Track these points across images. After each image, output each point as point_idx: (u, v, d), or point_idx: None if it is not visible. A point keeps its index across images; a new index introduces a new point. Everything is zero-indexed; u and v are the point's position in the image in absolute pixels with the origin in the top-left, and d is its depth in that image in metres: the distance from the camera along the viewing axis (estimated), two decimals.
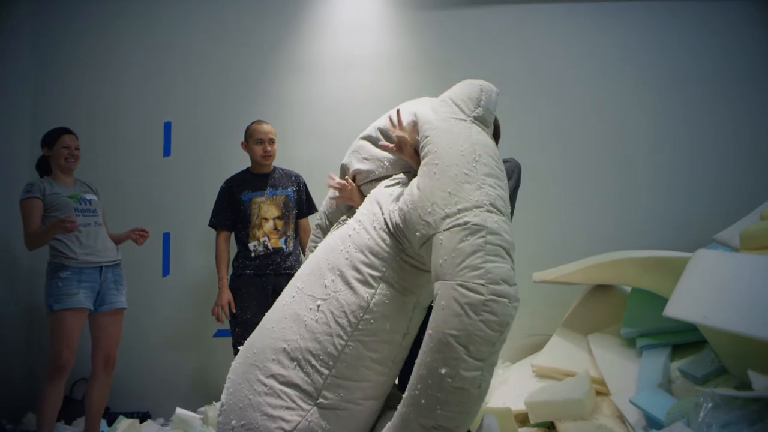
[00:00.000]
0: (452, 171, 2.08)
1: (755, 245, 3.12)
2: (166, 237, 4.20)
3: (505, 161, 2.43)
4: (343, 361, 2.07)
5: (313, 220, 3.83)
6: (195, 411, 3.87)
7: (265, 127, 3.68)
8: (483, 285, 1.83)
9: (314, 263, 2.35)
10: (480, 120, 2.31)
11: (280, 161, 3.78)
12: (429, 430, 1.84)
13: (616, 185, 4.40)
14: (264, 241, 3.63)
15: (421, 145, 2.26)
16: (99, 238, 3.35)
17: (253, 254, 3.62)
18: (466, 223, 1.95)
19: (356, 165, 2.67)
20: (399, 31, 4.46)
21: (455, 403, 1.82)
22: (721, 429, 2.10)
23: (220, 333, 4.07)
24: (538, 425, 3.29)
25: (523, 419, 3.36)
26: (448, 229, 1.96)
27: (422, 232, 2.05)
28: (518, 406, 3.35)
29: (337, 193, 2.72)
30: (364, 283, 2.14)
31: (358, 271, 2.17)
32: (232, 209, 3.68)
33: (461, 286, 1.85)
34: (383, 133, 2.58)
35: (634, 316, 3.67)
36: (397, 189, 2.38)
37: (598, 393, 3.48)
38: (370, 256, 2.19)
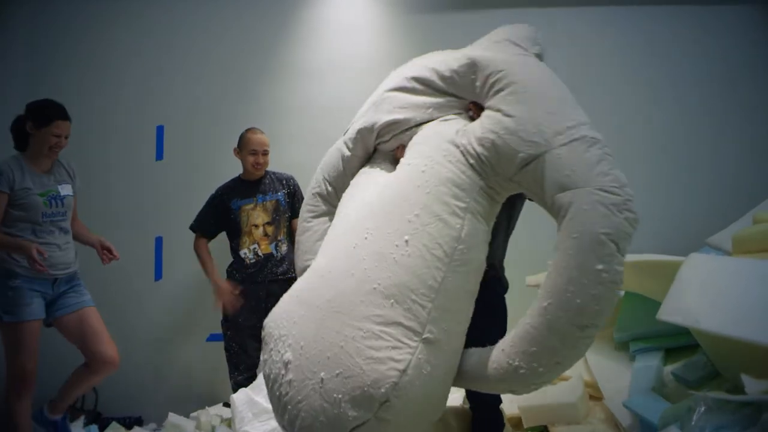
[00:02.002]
0: (548, 94, 2.20)
1: (747, 249, 3.13)
2: (159, 241, 4.18)
3: None
4: (443, 293, 2.00)
5: None
6: (187, 416, 3.85)
7: (260, 138, 3.67)
8: (618, 188, 1.95)
9: (376, 205, 2.25)
10: (539, 57, 2.52)
11: (275, 165, 3.78)
12: (583, 329, 1.87)
13: None
14: (254, 248, 3.63)
15: (490, 81, 2.29)
16: (61, 249, 3.11)
17: (245, 262, 3.62)
18: (583, 136, 2.05)
19: (387, 117, 2.57)
20: (394, 34, 4.46)
21: (607, 299, 1.88)
22: None
23: (212, 337, 4.05)
24: (531, 429, 3.29)
25: (516, 423, 3.35)
26: (565, 144, 2.04)
27: (528, 152, 2.07)
28: (511, 410, 3.34)
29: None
30: (453, 214, 2.11)
31: (445, 203, 2.13)
32: (218, 217, 3.68)
33: (601, 190, 1.94)
34: (442, 74, 2.52)
35: (627, 320, 3.67)
36: (456, 125, 2.37)
37: (592, 397, 3.48)
38: (454, 188, 2.16)
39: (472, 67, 2.39)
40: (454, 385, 2.06)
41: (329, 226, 2.54)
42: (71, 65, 4.28)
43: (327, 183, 2.74)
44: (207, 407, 3.91)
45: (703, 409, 2.22)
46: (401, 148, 2.51)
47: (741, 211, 3.79)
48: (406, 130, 2.52)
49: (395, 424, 1.83)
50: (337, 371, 1.88)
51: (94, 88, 4.25)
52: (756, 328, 2.41)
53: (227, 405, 3.69)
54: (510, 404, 3.40)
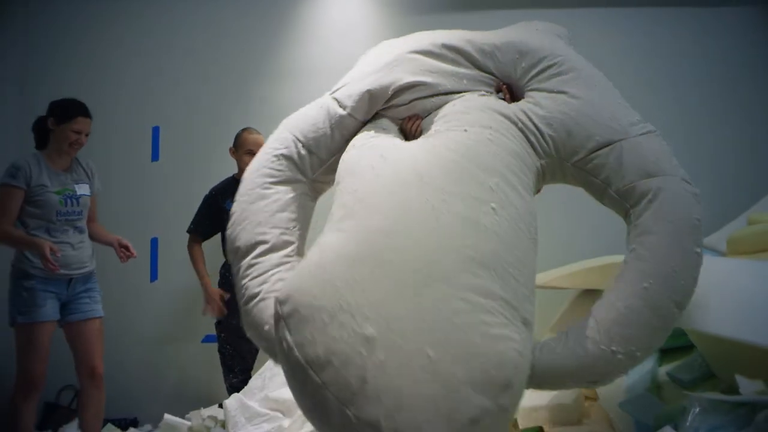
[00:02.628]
0: (611, 86, 2.29)
1: (742, 250, 3.14)
2: (154, 242, 4.18)
3: None
4: (530, 270, 1.89)
5: None
6: (183, 417, 3.84)
7: (257, 138, 3.65)
8: (688, 181, 2.10)
9: (442, 167, 1.98)
10: None
11: None
12: (681, 308, 1.96)
13: None
14: None
15: (545, 65, 2.28)
16: (76, 248, 3.09)
17: None
18: (654, 130, 2.15)
19: (412, 77, 2.35)
20: (389, 35, 4.44)
21: (696, 279, 2.01)
22: None
23: (208, 339, 4.04)
24: (527, 430, 3.29)
25: (512, 424, 3.36)
26: (643, 134, 2.12)
27: (605, 137, 2.10)
28: None
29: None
30: (526, 189, 2.05)
31: (517, 176, 2.03)
32: (212, 218, 3.67)
33: (684, 180, 2.09)
34: (482, 48, 2.44)
35: None
36: (496, 101, 2.31)
37: (587, 398, 3.48)
38: (520, 161, 2.09)
39: (519, 47, 2.35)
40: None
41: (295, 196, 2.29)
42: (67, 67, 4.27)
43: (300, 144, 2.38)
44: (202, 408, 3.90)
45: (697, 409, 2.23)
46: (414, 119, 2.34)
47: (736, 213, 3.80)
48: (432, 96, 2.34)
49: (508, 416, 1.62)
50: (452, 350, 1.57)
51: (89, 89, 4.23)
52: (751, 328, 2.42)
53: (222, 406, 3.69)
54: None
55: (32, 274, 2.94)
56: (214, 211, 3.66)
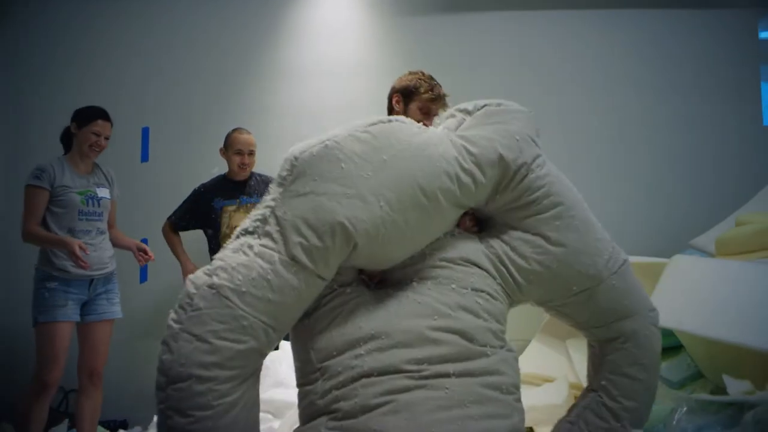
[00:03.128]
0: (588, 217, 2.06)
1: (731, 251, 3.15)
2: (144, 243, 4.16)
3: None
4: None
5: None
6: None
7: (246, 138, 3.64)
8: (654, 313, 2.08)
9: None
10: None
11: (260, 167, 3.76)
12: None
13: (592, 191, 4.40)
14: None
15: (528, 199, 1.92)
16: (97, 249, 3.15)
17: None
18: (624, 260, 2.02)
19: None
20: (380, 36, 4.47)
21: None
22: None
23: None
24: None
25: None
26: (615, 273, 1.97)
27: (585, 285, 1.95)
28: None
29: None
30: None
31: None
32: (197, 215, 3.66)
33: (650, 310, 2.04)
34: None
35: None
36: (480, 248, 1.91)
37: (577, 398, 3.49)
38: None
39: (497, 163, 1.87)
40: None
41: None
42: (55, 69, 4.25)
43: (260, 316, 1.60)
44: None
45: (685, 409, 2.24)
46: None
47: (724, 214, 3.82)
48: None
49: None
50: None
51: (78, 90, 4.22)
52: (739, 329, 2.43)
53: None
54: None
55: (54, 275, 3.03)
56: (201, 208, 3.64)
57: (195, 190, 3.72)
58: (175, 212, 3.73)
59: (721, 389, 2.54)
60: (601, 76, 4.50)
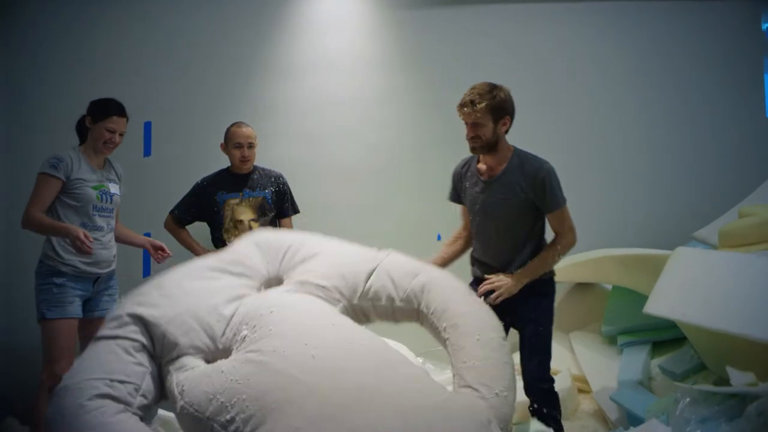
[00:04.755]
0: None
1: (733, 243, 3.15)
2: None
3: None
4: None
5: (296, 220, 3.85)
6: None
7: (245, 131, 3.63)
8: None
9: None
10: None
11: (262, 161, 3.76)
12: None
13: (596, 184, 4.42)
14: None
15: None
16: (106, 247, 3.13)
17: None
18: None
19: None
20: (380, 30, 4.46)
21: None
22: (699, 424, 2.11)
23: None
24: (520, 424, 3.30)
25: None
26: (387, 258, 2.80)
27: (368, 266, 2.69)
28: None
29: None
30: None
31: None
32: (200, 208, 3.66)
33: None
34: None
35: (614, 314, 3.70)
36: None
37: (580, 391, 3.50)
38: None
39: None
40: None
41: None
42: (57, 63, 4.24)
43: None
44: None
45: (688, 400, 2.24)
46: None
47: (727, 206, 3.82)
48: None
49: None
50: None
51: (80, 85, 4.21)
52: (742, 321, 2.43)
53: None
54: None
55: (63, 271, 2.98)
56: (204, 202, 3.64)
57: (197, 183, 3.72)
58: (177, 206, 3.72)
59: (724, 380, 2.54)
60: (602, 68, 4.49)
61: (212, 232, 3.68)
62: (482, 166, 2.81)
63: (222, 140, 3.68)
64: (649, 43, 4.50)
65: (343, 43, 4.45)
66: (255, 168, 3.72)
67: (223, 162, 3.72)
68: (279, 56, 4.38)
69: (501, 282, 2.63)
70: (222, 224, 3.61)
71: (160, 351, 2.29)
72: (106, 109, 3.10)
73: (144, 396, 2.17)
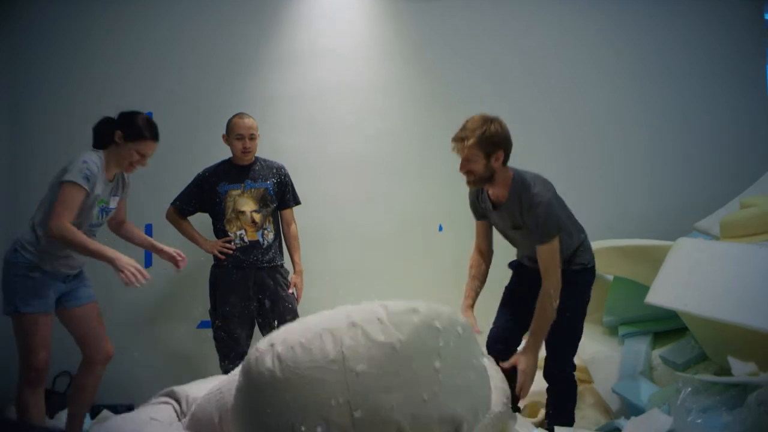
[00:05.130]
0: None
1: (735, 234, 3.16)
2: (148, 229, 4.16)
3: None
4: None
5: (297, 211, 3.85)
6: None
7: (246, 122, 3.62)
8: None
9: None
10: None
11: (263, 152, 3.76)
12: None
13: (597, 175, 4.42)
14: (240, 234, 3.61)
15: None
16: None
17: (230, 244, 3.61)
18: None
19: None
20: (381, 20, 4.44)
21: None
22: (701, 414, 2.12)
23: (203, 324, 4.04)
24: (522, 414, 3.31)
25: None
26: None
27: None
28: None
29: None
30: None
31: None
32: (201, 199, 3.66)
33: None
34: None
35: (616, 304, 3.70)
36: None
37: (582, 381, 3.50)
38: None
39: None
40: None
41: None
42: (59, 54, 4.23)
43: None
44: None
45: (689, 390, 2.25)
46: None
47: (729, 196, 3.82)
48: None
49: None
50: None
51: (81, 76, 4.21)
52: (743, 311, 2.44)
53: None
54: None
55: (42, 268, 2.84)
56: (206, 193, 3.64)
57: (198, 174, 3.72)
58: (179, 197, 3.73)
59: (725, 370, 2.55)
60: (603, 58, 4.48)
61: (214, 223, 3.69)
62: (490, 192, 2.84)
63: (224, 131, 3.67)
64: (649, 33, 4.49)
65: (344, 33, 4.43)
66: (257, 159, 3.72)
67: (225, 153, 3.72)
68: (280, 46, 4.37)
69: (524, 375, 2.63)
70: (224, 215, 3.61)
71: None
72: (141, 132, 2.95)
73: None
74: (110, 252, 2.78)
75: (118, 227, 3.29)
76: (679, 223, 3.96)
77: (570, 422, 2.83)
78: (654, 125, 4.47)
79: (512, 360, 2.65)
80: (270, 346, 1.85)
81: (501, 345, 2.94)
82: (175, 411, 2.54)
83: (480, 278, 3.02)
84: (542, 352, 2.93)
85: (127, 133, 2.93)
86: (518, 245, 2.98)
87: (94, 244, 2.79)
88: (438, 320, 1.89)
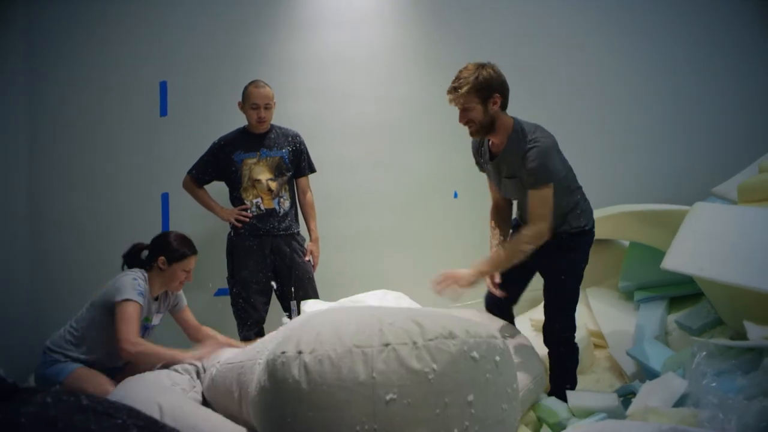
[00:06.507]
0: None
1: (753, 198, 3.13)
2: (165, 198, 4.20)
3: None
4: None
5: (312, 179, 3.86)
6: None
7: (262, 92, 3.60)
8: None
9: None
10: None
11: (278, 120, 3.75)
12: None
13: (614, 140, 4.39)
14: (257, 202, 3.62)
15: None
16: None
17: (247, 211, 3.63)
18: None
19: None
20: None
21: None
22: (715, 377, 2.13)
23: (220, 292, 4.09)
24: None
25: None
26: None
27: None
28: None
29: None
30: None
31: None
32: (218, 168, 3.67)
33: None
34: None
35: (632, 269, 3.70)
36: None
37: (597, 346, 3.52)
38: None
39: None
40: None
41: None
42: (72, 24, 4.22)
43: None
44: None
45: (704, 354, 2.25)
46: None
47: (747, 161, 3.78)
48: None
49: None
50: None
51: (96, 45, 4.20)
52: (759, 275, 2.43)
53: None
54: None
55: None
56: (222, 162, 3.65)
57: (214, 143, 3.72)
58: (195, 166, 3.74)
59: (740, 336, 2.55)
60: (620, 25, 4.42)
61: (230, 192, 3.70)
62: (492, 142, 2.81)
63: (239, 99, 3.67)
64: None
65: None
66: (272, 127, 3.71)
67: (241, 120, 3.71)
68: (295, 13, 4.34)
69: (457, 275, 2.62)
70: (240, 183, 3.62)
71: None
72: (183, 253, 3.05)
73: None
74: (180, 356, 2.86)
75: (195, 333, 3.35)
76: (696, 188, 3.93)
77: (573, 385, 2.86)
78: (671, 91, 4.42)
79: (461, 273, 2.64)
80: (298, 353, 1.79)
81: (496, 310, 3.05)
82: (191, 375, 2.66)
83: (502, 225, 2.97)
84: (540, 316, 2.97)
85: (170, 257, 3.03)
86: (512, 196, 2.90)
87: (168, 351, 2.85)
88: (476, 350, 1.81)
